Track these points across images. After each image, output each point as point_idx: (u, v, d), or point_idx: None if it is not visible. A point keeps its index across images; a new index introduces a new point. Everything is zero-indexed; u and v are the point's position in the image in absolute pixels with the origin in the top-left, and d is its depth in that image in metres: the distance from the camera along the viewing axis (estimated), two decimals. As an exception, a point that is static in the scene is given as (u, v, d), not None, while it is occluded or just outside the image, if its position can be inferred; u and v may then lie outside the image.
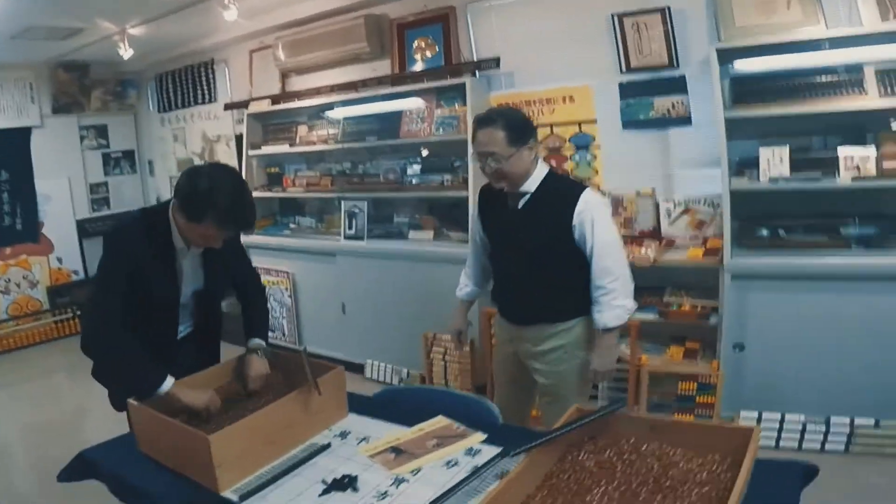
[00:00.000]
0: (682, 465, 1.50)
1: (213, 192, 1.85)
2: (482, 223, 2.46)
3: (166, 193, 6.67)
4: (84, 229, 6.44)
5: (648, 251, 3.23)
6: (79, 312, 6.25)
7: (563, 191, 2.22)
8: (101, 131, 6.62)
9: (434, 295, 3.94)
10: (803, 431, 2.99)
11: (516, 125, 2.17)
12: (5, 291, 6.00)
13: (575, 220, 2.15)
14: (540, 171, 2.23)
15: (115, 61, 5.90)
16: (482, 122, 2.19)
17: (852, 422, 2.91)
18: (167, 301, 2.11)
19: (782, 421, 3.02)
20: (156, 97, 6.54)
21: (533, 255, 2.23)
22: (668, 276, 3.35)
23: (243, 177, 1.99)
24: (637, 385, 3.15)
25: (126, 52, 4.94)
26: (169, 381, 1.91)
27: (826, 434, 2.96)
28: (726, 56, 3.06)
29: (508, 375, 2.50)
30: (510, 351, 2.44)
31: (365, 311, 4.39)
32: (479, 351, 3.77)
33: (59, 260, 6.31)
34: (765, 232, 3.15)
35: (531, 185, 2.22)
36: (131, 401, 1.90)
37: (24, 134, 5.96)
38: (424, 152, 4.31)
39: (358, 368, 4.36)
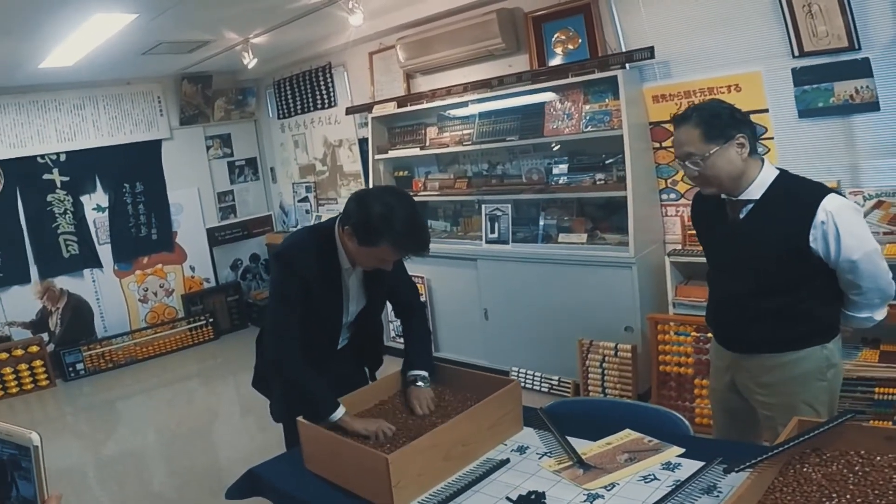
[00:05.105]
0: (925, 475, 1.47)
1: (389, 216, 1.98)
2: (697, 235, 2.39)
3: (289, 199, 7.10)
4: (214, 237, 6.95)
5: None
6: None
7: (796, 198, 2.01)
8: (226, 140, 7.10)
9: (588, 300, 3.99)
10: None
11: (713, 118, 2.01)
12: (143, 300, 6.57)
13: (812, 234, 1.96)
14: (766, 175, 2.05)
15: (234, 69, 6.35)
16: (677, 119, 2.10)
17: None
18: (332, 320, 2.29)
19: None
20: (275, 103, 6.94)
21: (757, 274, 2.08)
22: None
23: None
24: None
25: (251, 62, 5.26)
26: (340, 411, 2.08)
27: None
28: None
29: (725, 406, 2.37)
30: (727, 379, 2.30)
31: (510, 317, 4.49)
32: (640, 356, 3.81)
33: (192, 268, 6.84)
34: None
35: (755, 191, 2.04)
36: (302, 420, 2.05)
37: (155, 146, 6.55)
38: (555, 147, 4.33)
39: (502, 375, 4.46)
